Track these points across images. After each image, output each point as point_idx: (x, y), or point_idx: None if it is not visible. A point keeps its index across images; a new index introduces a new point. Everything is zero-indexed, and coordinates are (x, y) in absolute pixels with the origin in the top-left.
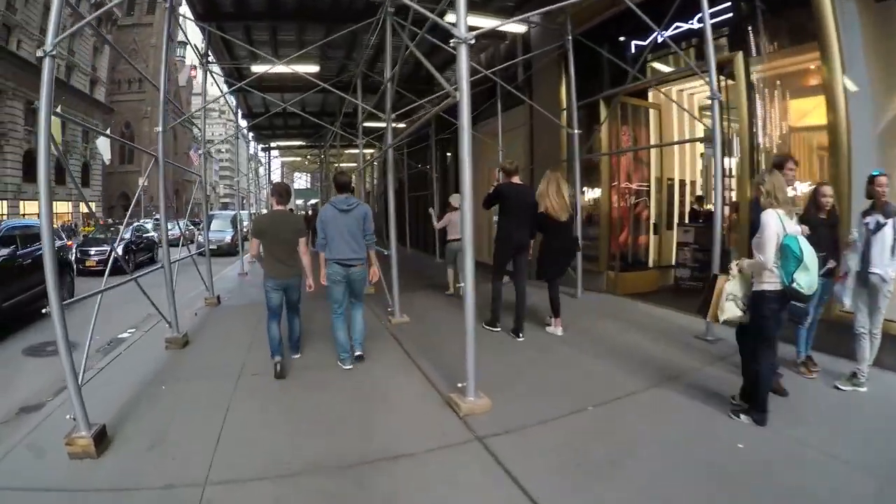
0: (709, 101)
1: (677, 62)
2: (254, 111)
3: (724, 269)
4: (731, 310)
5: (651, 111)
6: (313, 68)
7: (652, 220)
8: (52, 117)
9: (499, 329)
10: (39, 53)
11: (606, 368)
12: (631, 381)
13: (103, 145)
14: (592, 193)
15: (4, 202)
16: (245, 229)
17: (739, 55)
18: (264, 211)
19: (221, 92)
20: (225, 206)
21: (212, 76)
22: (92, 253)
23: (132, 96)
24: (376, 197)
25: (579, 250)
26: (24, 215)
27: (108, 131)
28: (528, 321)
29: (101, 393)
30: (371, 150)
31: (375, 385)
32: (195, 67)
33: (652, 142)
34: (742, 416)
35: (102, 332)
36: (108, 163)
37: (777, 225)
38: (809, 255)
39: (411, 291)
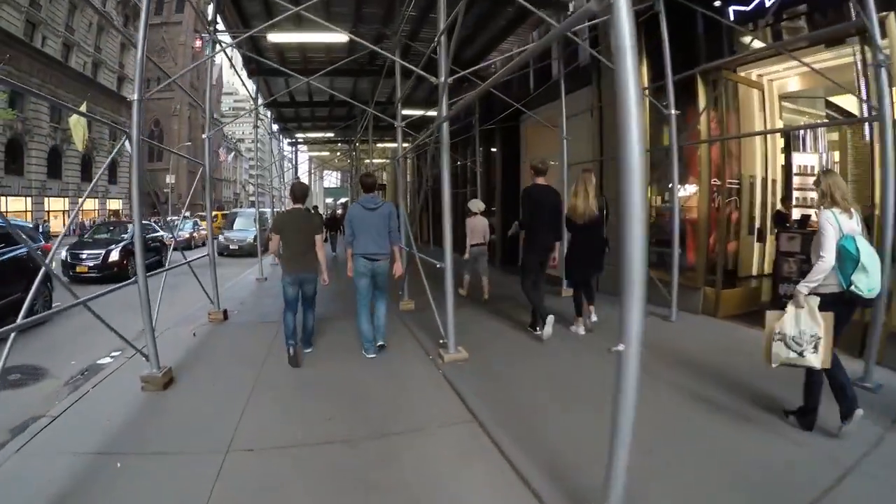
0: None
1: (776, 36)
2: (277, 100)
3: None
4: (782, 351)
5: (746, 91)
6: (342, 38)
7: (740, 224)
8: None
9: (539, 332)
10: None
11: (767, 446)
12: (813, 467)
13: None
14: (683, 191)
15: (29, 198)
16: (265, 229)
17: (891, 17)
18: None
19: (231, 64)
20: (254, 205)
21: (221, 48)
22: (84, 257)
23: (162, 94)
24: (414, 193)
25: (608, 250)
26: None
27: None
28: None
29: (32, 471)
30: (405, 145)
31: (438, 483)
32: (200, 38)
33: (745, 129)
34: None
35: (84, 354)
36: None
37: (834, 224)
38: (868, 255)
39: (455, 307)
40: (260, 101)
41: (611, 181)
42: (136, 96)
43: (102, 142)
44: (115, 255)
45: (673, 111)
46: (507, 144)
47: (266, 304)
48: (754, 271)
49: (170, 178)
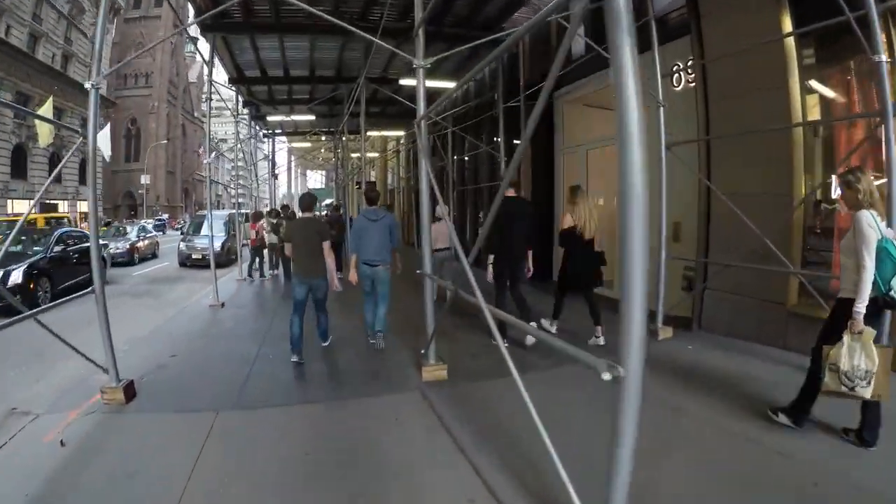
0: None
1: None
2: (246, 75)
3: None
4: (832, 383)
5: None
6: None
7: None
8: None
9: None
10: None
11: None
12: None
13: (102, 142)
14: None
15: None
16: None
17: None
18: (264, 209)
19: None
20: (239, 207)
21: None
22: None
23: (139, 91)
24: (409, 193)
25: (605, 264)
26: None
27: (108, 125)
28: None
29: None
30: (399, 133)
31: None
32: None
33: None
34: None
35: None
36: (107, 160)
37: (875, 228)
38: None
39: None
40: (223, 71)
41: (723, 168)
42: None
43: (72, 139)
44: (17, 277)
45: (884, 57)
46: (538, 127)
47: (214, 355)
48: None
49: (145, 179)
